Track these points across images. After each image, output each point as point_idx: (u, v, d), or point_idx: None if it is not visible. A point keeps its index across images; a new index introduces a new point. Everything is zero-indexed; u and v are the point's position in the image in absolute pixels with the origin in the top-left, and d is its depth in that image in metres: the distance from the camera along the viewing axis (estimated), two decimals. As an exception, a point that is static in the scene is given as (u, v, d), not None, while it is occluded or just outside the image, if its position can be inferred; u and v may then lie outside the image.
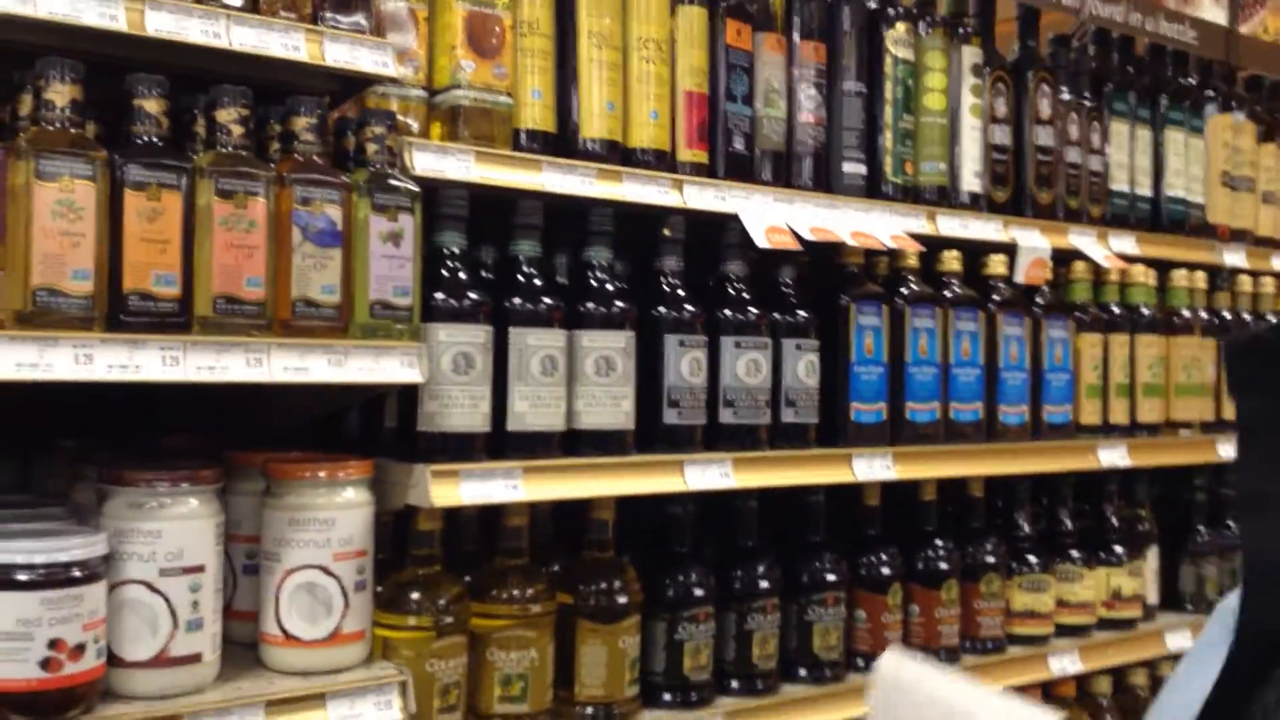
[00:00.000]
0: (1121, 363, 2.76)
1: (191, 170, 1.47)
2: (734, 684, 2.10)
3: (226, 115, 1.51)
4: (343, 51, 1.63)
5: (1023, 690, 2.52)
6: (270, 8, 1.59)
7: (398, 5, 1.78)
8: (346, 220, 1.60)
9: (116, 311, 1.41)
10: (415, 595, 1.72)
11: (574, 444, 1.88)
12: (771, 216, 2.16)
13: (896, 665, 0.79)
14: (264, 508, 1.62)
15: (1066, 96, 2.70)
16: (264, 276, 1.52)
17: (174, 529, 1.46)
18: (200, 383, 1.44)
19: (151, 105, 1.46)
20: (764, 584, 2.13)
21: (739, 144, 2.18)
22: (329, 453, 1.74)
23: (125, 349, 1.39)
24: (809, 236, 2.17)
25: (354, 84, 1.75)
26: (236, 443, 1.79)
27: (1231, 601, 0.79)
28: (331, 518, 1.59)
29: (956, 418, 2.44)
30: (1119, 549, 2.77)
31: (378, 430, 1.82)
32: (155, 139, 1.46)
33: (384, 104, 1.77)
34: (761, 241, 2.09)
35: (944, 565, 2.42)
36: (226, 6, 1.54)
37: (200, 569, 1.48)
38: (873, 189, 2.37)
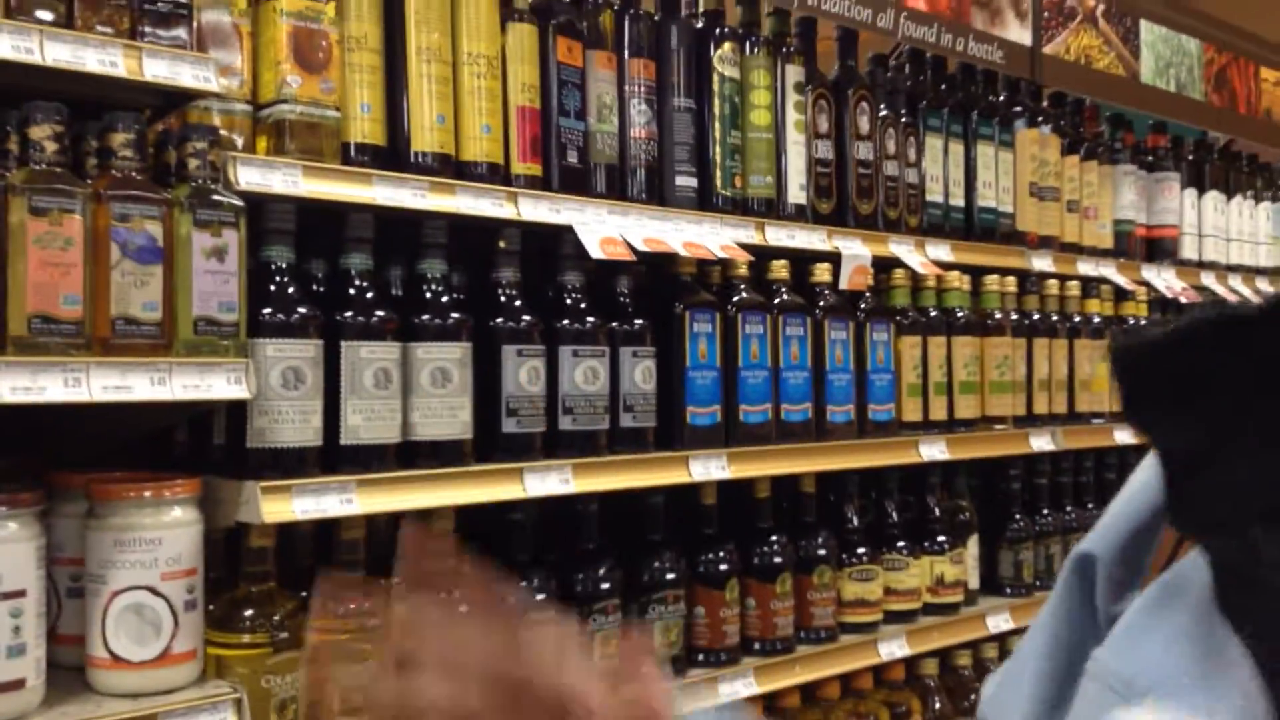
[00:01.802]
0: (939, 363, 2.93)
1: (3, 188, 1.44)
2: (576, 684, 2.15)
3: (40, 132, 1.49)
4: (162, 67, 1.61)
5: (855, 674, 2.66)
6: (87, 23, 1.57)
7: (221, 19, 1.77)
8: (168, 236, 1.59)
9: (-78, 333, 1.38)
10: (249, 612, 1.71)
11: (411, 456, 1.90)
12: (606, 228, 2.22)
13: None
14: (88, 530, 1.59)
15: (884, 113, 2.85)
16: (81, 294, 1.50)
17: (-11, 554, 1.42)
18: (16, 404, 1.41)
19: (-43, 122, 1.42)
20: (605, 585, 2.19)
21: (573, 157, 2.23)
22: (156, 471, 1.72)
23: (-68, 372, 1.35)
24: (643, 247, 2.24)
25: (175, 99, 1.73)
26: (58, 463, 1.75)
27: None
28: (158, 537, 1.58)
29: (787, 418, 2.55)
30: (941, 538, 2.94)
31: (206, 447, 1.81)
32: (-39, 156, 1.43)
33: (207, 118, 1.76)
34: (596, 252, 2.16)
35: (778, 559, 2.53)
36: (40, 22, 1.51)
37: (21, 594, 1.45)
38: (704, 201, 2.46)
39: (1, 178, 1.46)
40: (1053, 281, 3.32)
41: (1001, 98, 3.29)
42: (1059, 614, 0.78)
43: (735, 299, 2.47)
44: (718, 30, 2.50)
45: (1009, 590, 3.17)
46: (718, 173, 2.49)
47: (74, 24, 1.57)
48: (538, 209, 2.13)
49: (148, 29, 1.63)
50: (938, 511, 2.98)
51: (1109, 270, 3.54)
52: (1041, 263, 3.29)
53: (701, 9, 2.52)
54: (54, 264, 1.46)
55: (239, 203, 1.67)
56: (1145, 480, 0.70)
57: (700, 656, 2.39)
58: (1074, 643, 0.75)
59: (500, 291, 2.10)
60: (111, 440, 1.86)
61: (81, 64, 1.54)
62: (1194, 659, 0.59)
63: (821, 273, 2.68)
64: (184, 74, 1.64)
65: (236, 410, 1.73)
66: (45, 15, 1.53)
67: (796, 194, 2.65)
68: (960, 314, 3.00)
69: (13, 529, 1.45)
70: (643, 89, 2.35)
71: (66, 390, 1.46)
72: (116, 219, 1.53)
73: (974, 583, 3.08)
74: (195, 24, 1.70)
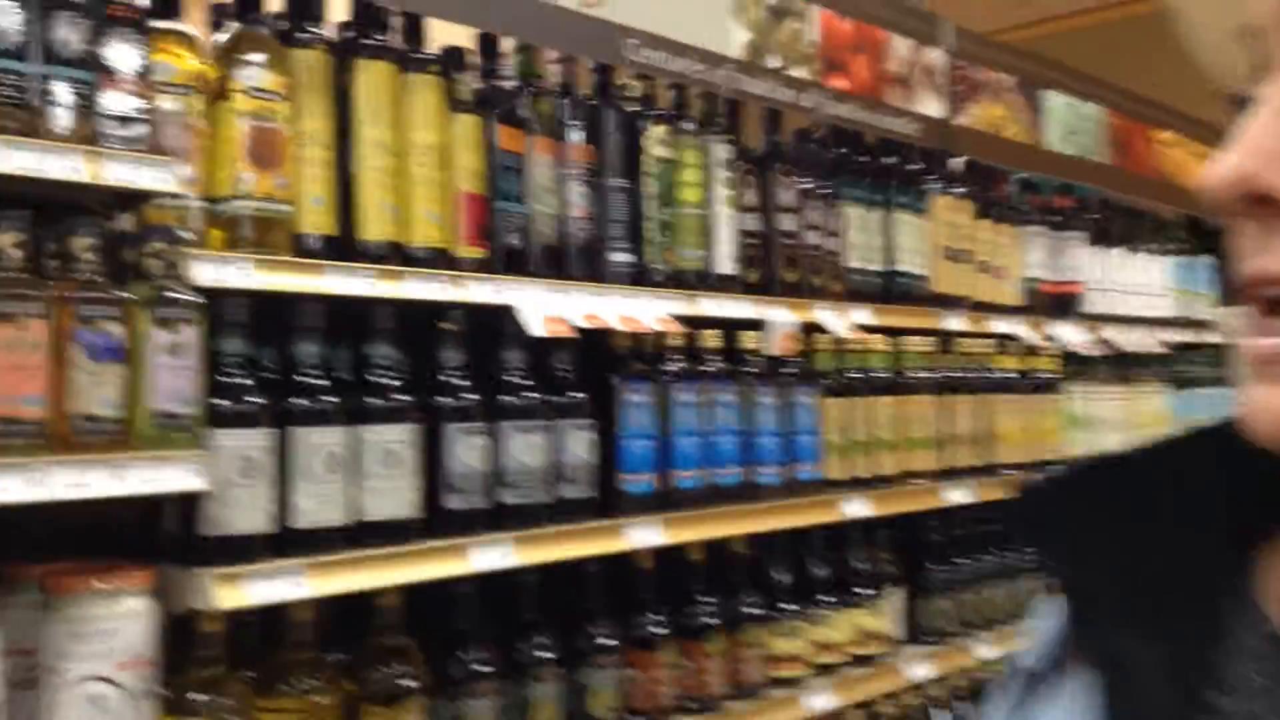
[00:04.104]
0: (861, 422, 3.07)
1: (-33, 296, 1.48)
2: (518, 751, 2.22)
3: (5, 240, 1.53)
4: (122, 170, 1.67)
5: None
6: (46, 128, 1.62)
7: (176, 119, 1.83)
8: (129, 335, 1.64)
9: (-112, 443, 1.41)
10: (201, 697, 1.75)
11: (360, 536, 1.96)
12: (546, 306, 2.31)
13: None
14: (42, 621, 1.62)
15: (807, 186, 2.99)
16: (43, 395, 1.54)
17: (-49, 656, 1.45)
18: (-21, 509, 1.45)
19: (-77, 234, 1.46)
20: (543, 654, 2.27)
21: (514, 239, 2.32)
22: (107, 559, 1.76)
23: (-102, 481, 1.38)
24: (582, 323, 2.34)
25: (134, 198, 1.78)
26: (10, 550, 1.77)
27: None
28: (114, 628, 1.62)
29: (719, 482, 2.66)
30: (865, 591, 3.07)
31: (158, 534, 1.85)
32: (-72, 268, 1.47)
33: (163, 216, 1.81)
34: (538, 330, 2.24)
35: (710, 620, 2.63)
36: (3, 130, 1.56)
37: (-21, 693, 1.48)
38: (638, 276, 2.56)
39: (-35, 284, 1.50)
40: (967, 339, 3.50)
41: (917, 166, 3.46)
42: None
43: (668, 369, 2.58)
44: (650, 113, 2.61)
45: (930, 639, 3.30)
46: (650, 248, 2.59)
47: (36, 132, 1.61)
48: (482, 290, 2.21)
49: (107, 130, 1.69)
50: (860, 565, 3.11)
51: (1019, 327, 3.72)
52: (956, 322, 3.46)
53: (636, 94, 2.64)
54: (19, 367, 1.51)
55: (197, 299, 1.72)
56: (1047, 603, 0.81)
57: (636, 718, 2.47)
58: None
59: (444, 372, 2.17)
60: (62, 530, 1.88)
61: (44, 171, 1.59)
62: None
63: (750, 340, 2.80)
64: (143, 176, 1.69)
65: (189, 499, 1.77)
66: (9, 124, 1.57)
67: (726, 265, 2.77)
68: (881, 375, 3.15)
69: (-28, 628, 1.49)
70: (580, 171, 2.46)
71: (29, 490, 1.50)
72: (79, 321, 1.58)
73: (897, 633, 3.21)
74: (153, 123, 1.75)
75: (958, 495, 3.34)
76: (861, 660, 3.04)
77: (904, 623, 3.27)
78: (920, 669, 3.17)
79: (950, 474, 3.34)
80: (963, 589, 3.42)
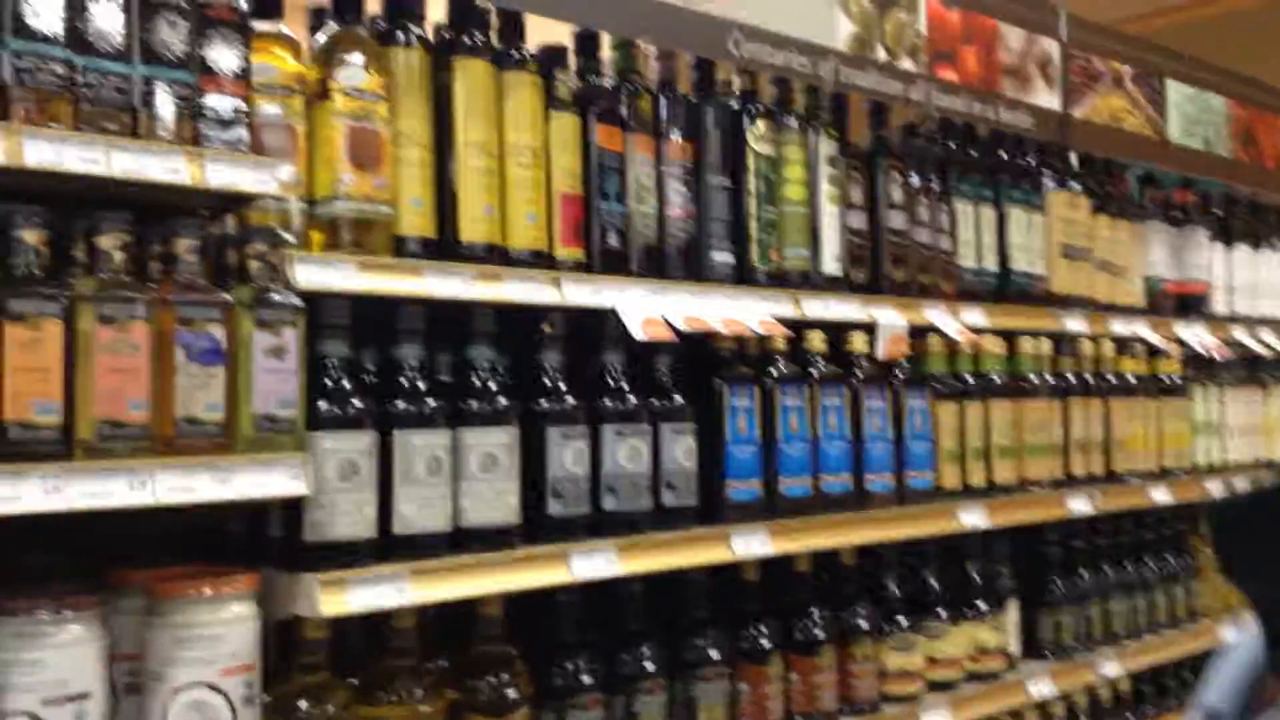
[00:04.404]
0: (977, 428, 2.94)
1: (72, 298, 1.48)
2: (624, 765, 2.16)
3: (107, 241, 1.53)
4: (224, 172, 1.66)
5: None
6: (149, 130, 1.62)
7: (276, 120, 1.82)
8: (230, 338, 1.63)
9: (-4, 443, 1.41)
10: (304, 704, 1.73)
11: (460, 542, 1.92)
12: (646, 308, 2.25)
13: None
14: (148, 626, 1.61)
15: (916, 181, 2.88)
16: (147, 398, 1.54)
17: (57, 657, 1.45)
18: (84, 510, 1.44)
19: (29, 236, 1.47)
20: (648, 666, 2.20)
21: (613, 239, 2.27)
22: (211, 563, 1.75)
23: (7, 481, 1.38)
24: (683, 326, 2.27)
25: (235, 200, 1.78)
26: (117, 554, 1.77)
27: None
28: (219, 634, 1.60)
29: (827, 489, 2.56)
30: (981, 604, 2.93)
31: (261, 539, 1.83)
32: (34, 269, 1.47)
33: (264, 218, 1.81)
34: (639, 334, 2.18)
35: (819, 633, 2.53)
36: (106, 132, 1.56)
37: (85, 696, 1.48)
38: (740, 276, 2.49)
39: (70, 286, 1.50)
40: (1087, 341, 3.33)
41: (1029, 161, 3.32)
42: None
43: (773, 372, 2.49)
44: (752, 108, 2.54)
45: (1049, 654, 3.15)
46: (753, 247, 2.52)
47: (138, 132, 1.61)
48: (580, 292, 2.16)
49: (208, 132, 1.68)
50: (976, 577, 2.97)
51: (1142, 328, 3.54)
52: (1075, 323, 3.30)
53: (737, 89, 2.56)
54: (121, 369, 1.50)
55: (299, 302, 1.70)
56: (1244, 640, 0.72)
57: (745, 733, 2.38)
58: None
59: (544, 374, 2.13)
60: (166, 533, 1.89)
61: (145, 172, 1.59)
62: None
63: (858, 342, 2.70)
64: (244, 178, 1.68)
65: (292, 503, 1.75)
66: (111, 127, 1.58)
67: (831, 265, 2.68)
68: (996, 379, 3.01)
69: (77, 632, 1.48)
70: (680, 169, 2.39)
71: (132, 494, 1.49)
72: (181, 323, 1.57)
73: (1014, 648, 3.07)
74: (253, 125, 1.74)
75: (1079, 505, 3.18)
76: (979, 677, 2.90)
77: (1023, 638, 3.11)
78: (1041, 686, 3.02)
79: (1070, 482, 3.18)
80: (1085, 603, 3.25)
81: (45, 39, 1.52)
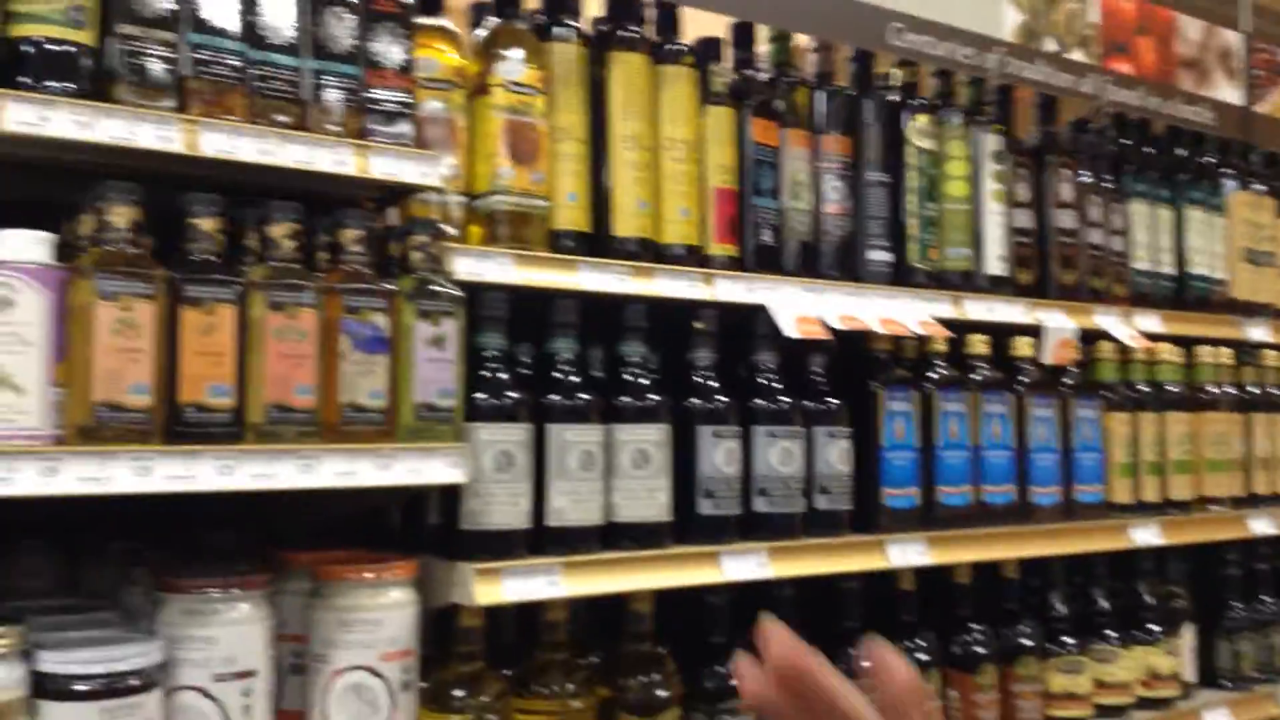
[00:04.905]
0: (1151, 440, 2.78)
1: (245, 285, 1.52)
2: (773, 774, 2.10)
3: (278, 230, 1.57)
4: (388, 164, 1.69)
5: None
6: (318, 123, 1.65)
7: (438, 114, 1.84)
8: (393, 327, 1.65)
9: (173, 423, 1.46)
10: (459, 693, 1.73)
11: (611, 537, 1.91)
12: (800, 306, 2.20)
13: None
14: (311, 608, 1.64)
15: (1087, 179, 2.74)
16: (314, 384, 1.57)
17: (227, 634, 1.49)
18: (254, 490, 1.48)
19: (206, 224, 1.52)
20: (801, 673, 2.13)
21: (767, 236, 2.22)
22: (371, 549, 1.77)
23: (182, 461, 1.43)
24: (838, 325, 2.21)
25: (397, 191, 1.81)
26: (280, 537, 1.82)
27: None
28: (379, 618, 1.62)
29: (988, 500, 2.45)
30: (1154, 627, 2.76)
31: (419, 527, 1.85)
32: (210, 256, 1.52)
33: (425, 210, 1.83)
34: (791, 331, 2.13)
35: (980, 649, 2.41)
36: (276, 124, 1.60)
37: (252, 674, 1.51)
38: (898, 275, 2.41)
39: (243, 275, 1.54)
40: (1271, 351, 3.11)
41: (1211, 159, 3.12)
42: None
43: (933, 376, 2.40)
44: (913, 102, 2.46)
45: (1228, 684, 2.94)
46: (912, 246, 2.43)
47: (306, 125, 1.65)
48: (733, 289, 2.12)
49: (373, 125, 1.71)
50: (1150, 599, 2.80)
51: (1332, 338, 3.29)
52: (1258, 332, 3.09)
53: (897, 82, 2.49)
54: (290, 355, 1.54)
55: (459, 293, 1.72)
56: None
57: (900, 749, 2.28)
58: None
59: (696, 372, 2.09)
60: (331, 518, 1.93)
61: (314, 164, 1.62)
62: None
63: (1023, 347, 2.58)
64: (407, 170, 1.71)
65: (448, 491, 1.77)
66: (282, 118, 1.62)
67: (995, 265, 2.57)
68: (1173, 388, 2.83)
69: (246, 610, 1.52)
70: (837, 165, 2.33)
71: (299, 476, 1.52)
72: (347, 311, 1.60)
73: (1189, 675, 2.88)
74: (416, 119, 1.77)
75: (1260, 525, 2.96)
76: (1150, 703, 2.72)
77: (1198, 665, 2.92)
78: (1217, 716, 2.81)
79: (1252, 500, 2.97)
80: (1267, 630, 3.03)
81: (221, 33, 1.57)
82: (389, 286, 1.66)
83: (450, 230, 1.84)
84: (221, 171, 1.60)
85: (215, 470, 1.45)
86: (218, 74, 1.56)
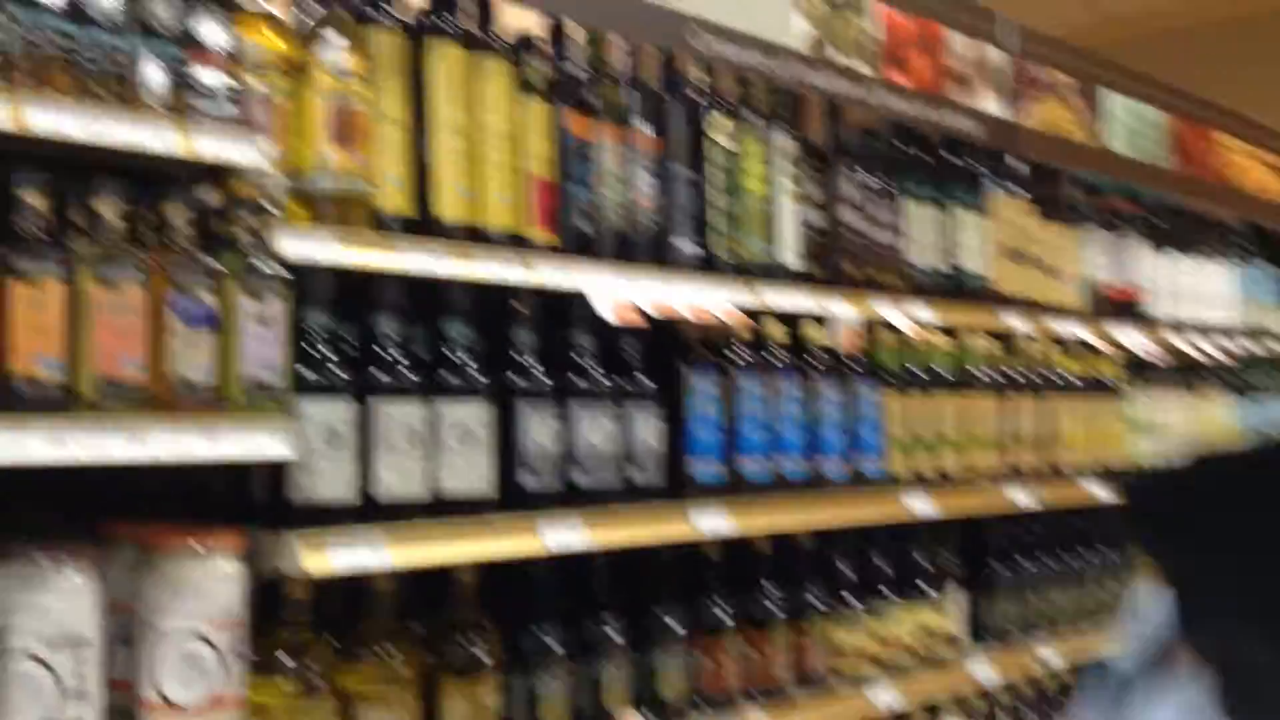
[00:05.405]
0: (925, 419, 3.06)
1: (73, 260, 1.54)
2: (589, 731, 2.23)
3: (106, 207, 1.59)
4: (212, 144, 1.72)
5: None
6: (142, 101, 1.67)
7: (262, 96, 1.88)
8: (220, 304, 1.69)
9: (3, 395, 1.46)
10: (286, 659, 1.79)
11: (437, 509, 1.99)
12: (616, 291, 2.34)
13: None
14: (141, 579, 1.66)
15: (870, 181, 3.00)
16: (143, 359, 1.59)
17: (59, 603, 1.50)
18: (85, 463, 1.49)
19: (34, 199, 1.52)
20: (613, 636, 2.28)
21: (584, 224, 2.35)
22: (200, 522, 1.80)
23: (11, 433, 1.43)
24: (650, 310, 2.36)
25: (222, 171, 1.84)
26: (110, 511, 1.82)
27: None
28: (208, 588, 1.66)
29: (785, 472, 2.67)
30: (928, 589, 3.05)
31: (248, 499, 1.89)
32: (38, 231, 1.53)
33: (246, 189, 1.86)
34: (608, 315, 2.27)
35: (774, 609, 2.63)
36: (101, 100, 1.62)
37: (85, 642, 1.52)
38: (705, 265, 2.58)
39: (70, 250, 1.55)
40: (1031, 341, 3.47)
41: (977, 166, 3.46)
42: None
43: (734, 358, 2.59)
44: (715, 104, 2.64)
45: (993, 639, 3.27)
46: (716, 238, 2.62)
47: (131, 102, 1.67)
48: (553, 274, 2.24)
49: (198, 104, 1.74)
50: (924, 564, 3.09)
51: (1080, 329, 3.69)
52: (1016, 321, 3.44)
53: (703, 84, 2.67)
54: (119, 331, 1.56)
55: (284, 272, 1.77)
56: (1156, 603, 0.79)
57: (702, 703, 2.47)
58: None
59: (518, 352, 2.20)
60: (154, 492, 1.93)
61: (141, 143, 1.64)
62: None
63: (814, 333, 2.81)
64: (232, 150, 1.74)
65: (278, 466, 1.81)
66: (106, 95, 1.63)
67: (789, 258, 2.78)
68: (944, 372, 3.14)
69: (77, 581, 1.53)
70: (648, 160, 2.49)
71: (130, 449, 1.54)
72: (174, 288, 1.63)
73: (960, 633, 3.18)
74: (243, 100, 1.80)
75: (1021, 497, 3.31)
76: (925, 659, 3.01)
77: (968, 623, 3.24)
78: (983, 670, 3.14)
79: (1013, 475, 3.32)
80: (1027, 592, 3.39)
81: (47, 10, 1.57)
82: (216, 265, 1.70)
83: (275, 211, 1.88)
84: (53, 148, 1.60)
85: (45, 441, 1.46)
86: (44, 51, 1.56)
